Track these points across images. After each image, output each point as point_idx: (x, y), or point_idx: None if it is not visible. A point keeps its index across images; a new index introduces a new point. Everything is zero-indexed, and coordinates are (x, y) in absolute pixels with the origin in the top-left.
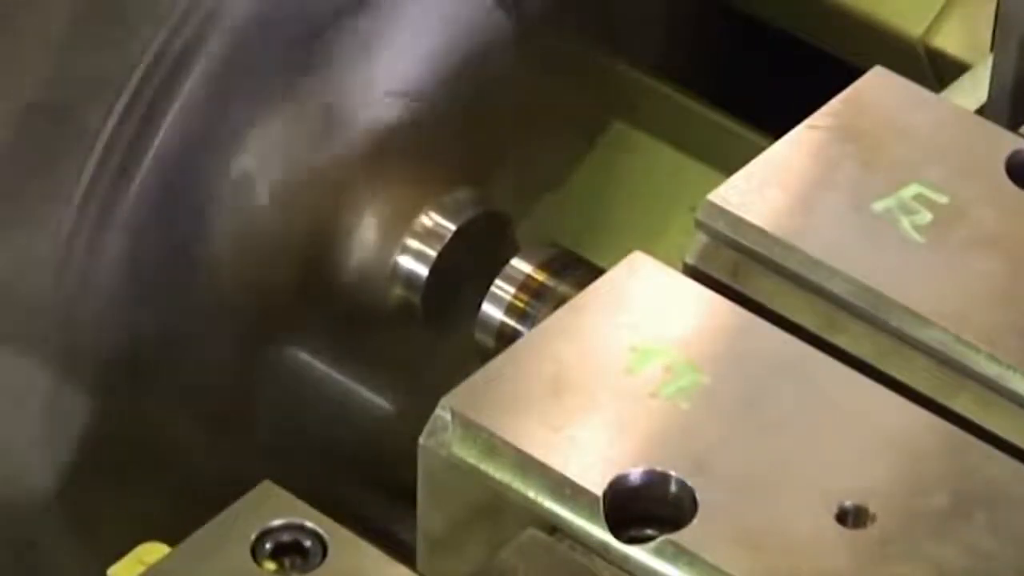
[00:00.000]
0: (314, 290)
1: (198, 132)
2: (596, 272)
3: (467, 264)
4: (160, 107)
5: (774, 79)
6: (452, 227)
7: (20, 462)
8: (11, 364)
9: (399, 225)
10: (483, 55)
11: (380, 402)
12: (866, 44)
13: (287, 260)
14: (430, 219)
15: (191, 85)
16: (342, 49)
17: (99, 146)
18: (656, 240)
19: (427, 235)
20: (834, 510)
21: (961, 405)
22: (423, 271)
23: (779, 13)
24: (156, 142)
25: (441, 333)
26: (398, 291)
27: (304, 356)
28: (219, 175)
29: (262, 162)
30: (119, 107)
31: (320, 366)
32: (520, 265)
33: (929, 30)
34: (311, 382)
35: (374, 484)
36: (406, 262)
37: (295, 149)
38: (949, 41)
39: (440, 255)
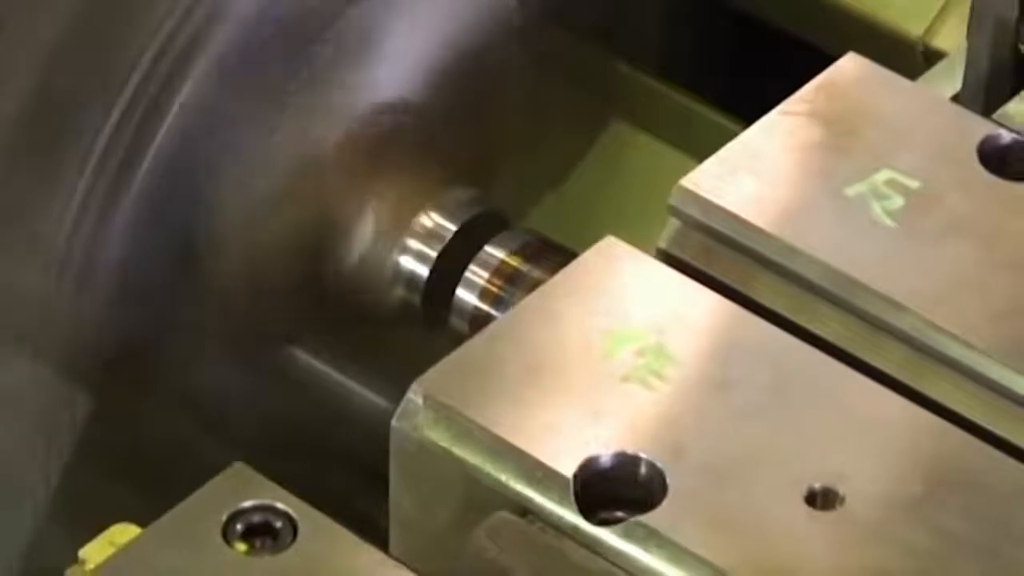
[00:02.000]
0: (314, 290)
1: (198, 132)
2: (570, 258)
3: (467, 264)
4: (160, 107)
5: (774, 79)
6: (452, 227)
7: (18, 462)
8: (10, 364)
9: (399, 225)
10: (483, 55)
11: (380, 402)
12: (866, 44)
13: (287, 260)
14: (430, 219)
15: (192, 84)
16: (343, 48)
17: (99, 146)
18: (656, 239)
19: (427, 235)
20: (804, 492)
21: (933, 390)
22: (423, 271)
23: (779, 13)
24: (156, 142)
25: (442, 333)
26: (398, 291)
27: (304, 356)
28: (219, 175)
29: (262, 162)
30: (119, 106)
31: (320, 366)
32: (494, 251)
33: (929, 30)
34: (311, 382)
35: (374, 483)
36: (406, 262)
37: (295, 148)
38: (949, 41)
39: (440, 255)
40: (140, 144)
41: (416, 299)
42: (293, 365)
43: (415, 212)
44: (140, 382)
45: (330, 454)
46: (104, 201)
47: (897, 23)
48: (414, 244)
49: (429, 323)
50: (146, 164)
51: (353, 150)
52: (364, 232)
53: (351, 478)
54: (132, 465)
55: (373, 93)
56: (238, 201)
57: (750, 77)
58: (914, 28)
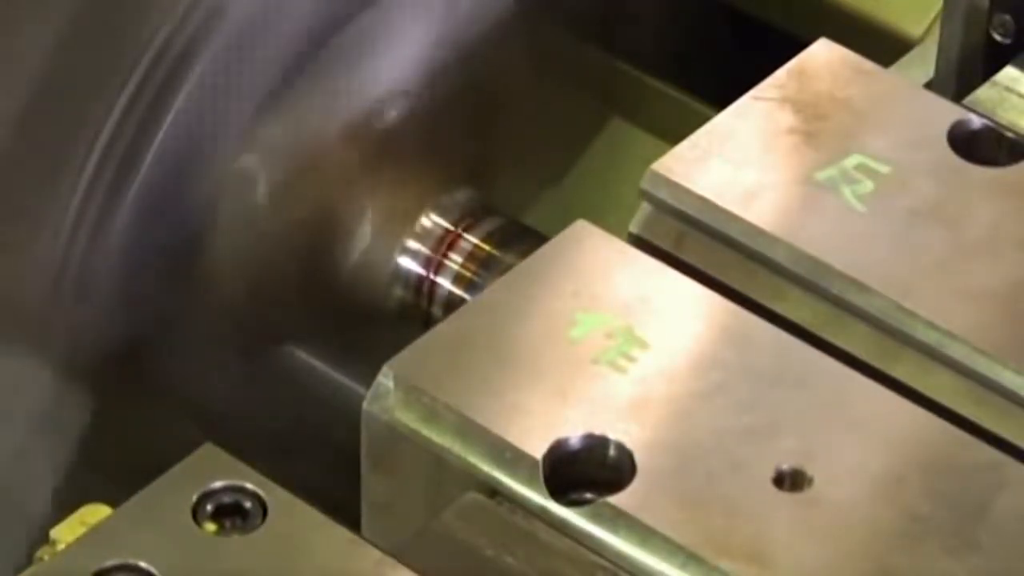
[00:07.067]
0: (314, 290)
1: (198, 132)
2: (543, 243)
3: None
4: (160, 107)
5: None
6: (451, 227)
7: (19, 464)
8: (10, 366)
9: (399, 225)
10: (482, 54)
11: None
12: (866, 44)
13: (287, 260)
14: (430, 219)
15: (192, 84)
16: (342, 48)
17: (99, 146)
18: None
19: (427, 235)
20: (773, 474)
21: (902, 372)
22: (423, 271)
23: (779, 13)
24: (156, 142)
25: None
26: (398, 291)
27: (304, 356)
28: (219, 175)
29: (262, 162)
30: (119, 106)
31: (320, 366)
32: (468, 235)
33: (929, 30)
34: (311, 382)
35: None
36: (406, 262)
37: (296, 149)
38: None
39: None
40: (139, 145)
41: (416, 299)
42: (293, 365)
43: (415, 212)
44: (140, 382)
45: (330, 454)
46: (103, 202)
47: (897, 23)
48: (414, 244)
49: (429, 323)
50: (145, 165)
51: (353, 150)
52: (364, 232)
53: (351, 478)
54: (134, 465)
55: (374, 93)
56: (237, 202)
57: (750, 76)
58: (914, 28)
